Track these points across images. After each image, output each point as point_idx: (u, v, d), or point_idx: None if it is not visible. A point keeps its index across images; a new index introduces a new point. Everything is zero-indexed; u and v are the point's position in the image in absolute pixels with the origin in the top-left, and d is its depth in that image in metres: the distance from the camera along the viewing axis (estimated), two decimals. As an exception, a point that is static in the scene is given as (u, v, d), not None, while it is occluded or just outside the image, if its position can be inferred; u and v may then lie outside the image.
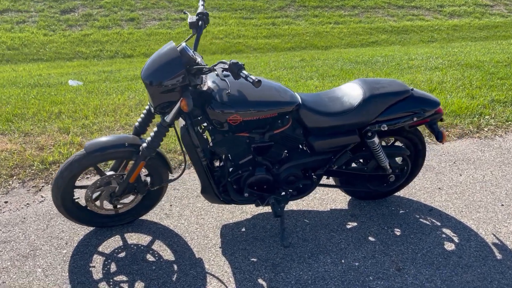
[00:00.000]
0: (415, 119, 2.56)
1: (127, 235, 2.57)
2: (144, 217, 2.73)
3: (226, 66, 2.01)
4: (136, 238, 2.54)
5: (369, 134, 2.51)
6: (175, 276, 2.27)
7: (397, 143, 2.84)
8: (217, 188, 2.47)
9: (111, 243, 2.50)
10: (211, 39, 10.68)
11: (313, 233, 2.63)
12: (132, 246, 2.48)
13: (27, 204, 2.86)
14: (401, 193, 3.06)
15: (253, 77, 1.93)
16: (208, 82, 2.31)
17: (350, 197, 2.99)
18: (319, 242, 2.56)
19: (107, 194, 2.45)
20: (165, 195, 2.94)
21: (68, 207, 2.43)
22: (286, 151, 2.56)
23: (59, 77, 6.83)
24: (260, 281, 2.25)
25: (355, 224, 2.73)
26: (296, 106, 2.39)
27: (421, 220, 2.77)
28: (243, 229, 2.65)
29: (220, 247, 2.49)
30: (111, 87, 5.68)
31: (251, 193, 2.51)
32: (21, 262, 2.32)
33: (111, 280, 2.22)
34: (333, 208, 2.89)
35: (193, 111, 2.28)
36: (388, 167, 2.72)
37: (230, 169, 2.49)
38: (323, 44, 10.91)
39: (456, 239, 2.58)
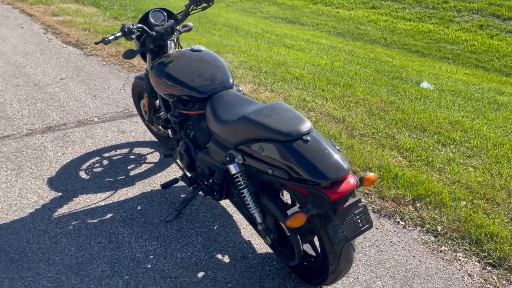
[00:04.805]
0: (270, 171, 1.89)
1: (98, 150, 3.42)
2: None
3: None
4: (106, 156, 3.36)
5: (227, 158, 2.11)
6: None
7: None
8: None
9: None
10: None
11: (203, 239, 2.55)
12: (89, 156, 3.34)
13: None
14: None
15: (105, 37, 2.38)
16: (172, 48, 2.69)
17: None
18: (191, 242, 2.49)
19: None
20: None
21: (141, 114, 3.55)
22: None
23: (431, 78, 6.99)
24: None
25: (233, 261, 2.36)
26: (203, 96, 2.37)
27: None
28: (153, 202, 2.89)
29: (87, 194, 2.87)
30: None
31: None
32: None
33: None
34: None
35: None
36: (258, 218, 2.12)
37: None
38: None
39: None
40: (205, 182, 2.52)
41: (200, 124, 2.47)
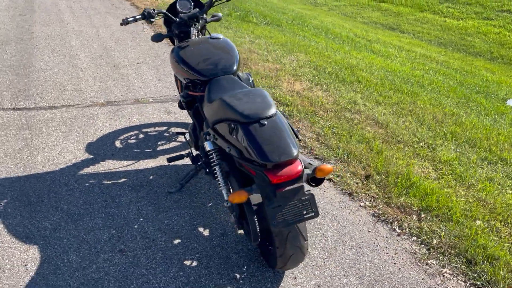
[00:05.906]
0: (227, 149, 2.01)
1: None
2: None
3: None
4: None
5: (205, 136, 2.25)
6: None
7: None
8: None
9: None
10: None
11: (188, 219, 2.73)
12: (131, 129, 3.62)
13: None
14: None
15: (125, 18, 2.64)
16: (194, 35, 2.89)
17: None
18: (181, 215, 2.70)
19: None
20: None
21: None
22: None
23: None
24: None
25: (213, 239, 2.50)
26: (205, 79, 2.54)
27: None
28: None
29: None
30: None
31: None
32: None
33: None
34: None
35: None
36: (225, 196, 2.22)
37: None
38: None
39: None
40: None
41: (198, 101, 2.64)
